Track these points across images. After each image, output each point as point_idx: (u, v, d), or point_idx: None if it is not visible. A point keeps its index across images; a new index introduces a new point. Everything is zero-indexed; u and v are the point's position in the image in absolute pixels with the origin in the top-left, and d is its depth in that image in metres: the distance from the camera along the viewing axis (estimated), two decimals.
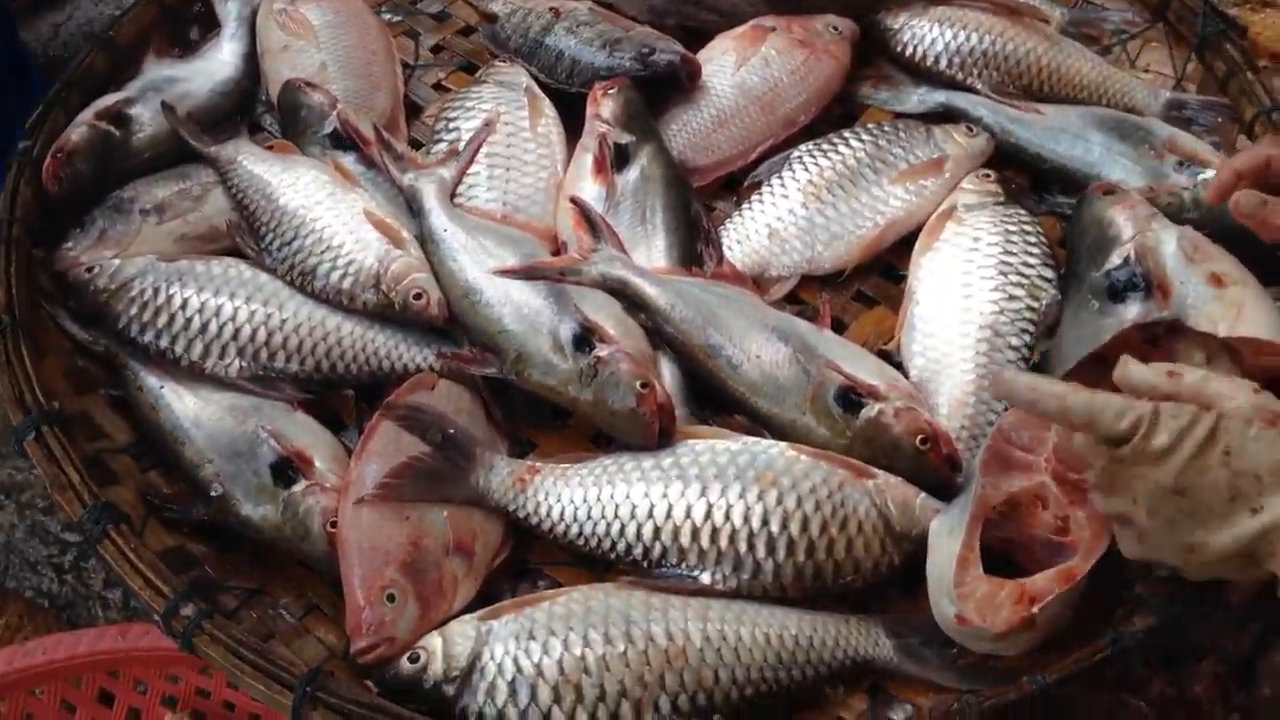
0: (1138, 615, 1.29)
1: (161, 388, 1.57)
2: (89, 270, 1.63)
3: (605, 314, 1.52)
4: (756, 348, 1.49)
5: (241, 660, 1.30)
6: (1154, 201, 1.63)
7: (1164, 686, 1.44)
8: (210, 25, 1.99)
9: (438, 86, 1.97)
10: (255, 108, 1.91)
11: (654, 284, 1.53)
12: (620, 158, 1.69)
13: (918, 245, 1.67)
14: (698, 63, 1.82)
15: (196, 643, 1.31)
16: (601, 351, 1.47)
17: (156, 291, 1.60)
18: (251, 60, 1.93)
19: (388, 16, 2.05)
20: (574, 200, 1.63)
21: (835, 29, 1.89)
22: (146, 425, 1.56)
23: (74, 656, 1.60)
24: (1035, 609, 1.27)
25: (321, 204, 1.65)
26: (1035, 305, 1.57)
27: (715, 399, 1.53)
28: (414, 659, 1.31)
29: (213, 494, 1.48)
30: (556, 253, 1.63)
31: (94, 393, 1.61)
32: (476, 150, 1.73)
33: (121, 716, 1.68)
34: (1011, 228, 1.64)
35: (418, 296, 1.56)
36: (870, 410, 1.44)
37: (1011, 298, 1.57)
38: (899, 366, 1.56)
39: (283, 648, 1.38)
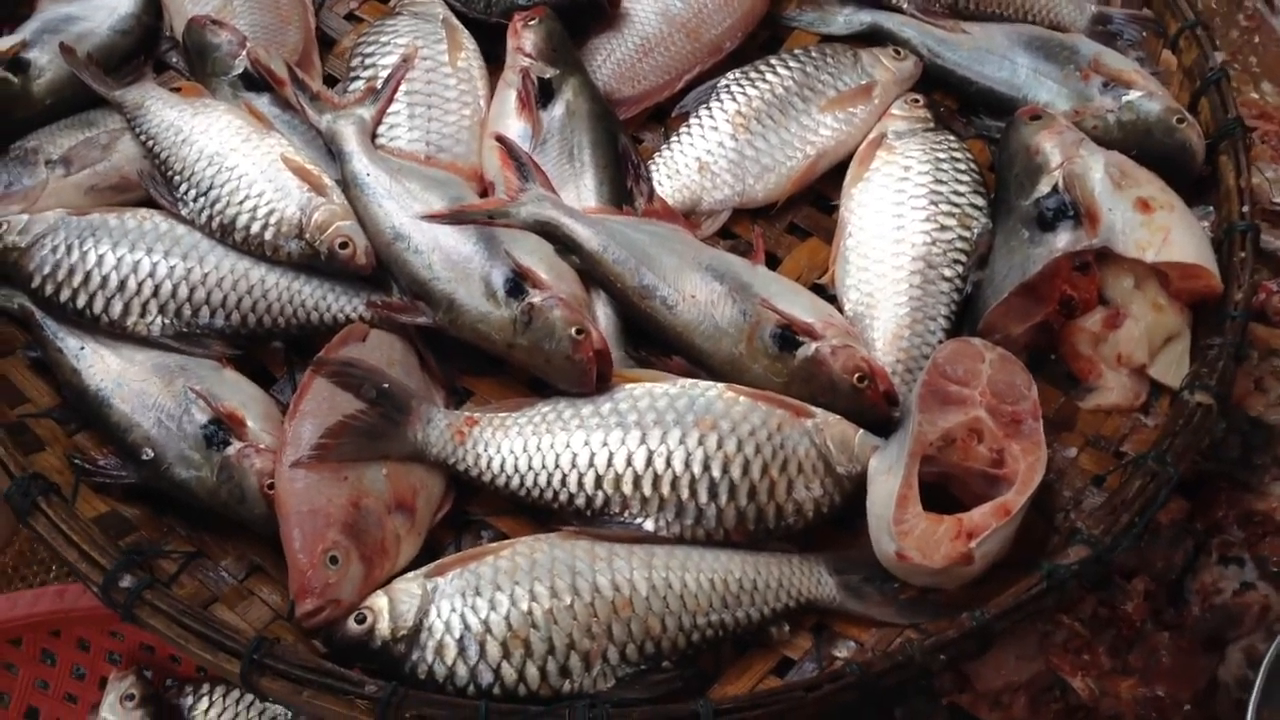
0: (1072, 546, 1.32)
1: (82, 349, 1.52)
2: None
3: (537, 258, 1.49)
4: (691, 287, 1.48)
5: (186, 629, 1.28)
6: (1080, 125, 1.63)
7: (1096, 605, 1.48)
8: None
9: (350, 17, 1.89)
10: (159, 45, 1.83)
11: (586, 225, 1.51)
12: (545, 92, 1.65)
13: (849, 175, 1.66)
14: None
15: (138, 614, 1.29)
16: (535, 298, 1.45)
17: (69, 248, 1.54)
18: None
19: None
20: (500, 139, 1.58)
21: None
22: (69, 388, 1.52)
23: (12, 619, 1.58)
24: (973, 544, 1.30)
25: (237, 150, 1.59)
26: (967, 235, 1.57)
27: (652, 340, 1.52)
28: (360, 620, 1.31)
29: (143, 458, 1.45)
30: (484, 194, 1.60)
31: (12, 355, 1.56)
32: (396, 88, 1.67)
33: (66, 674, 1.67)
34: (941, 155, 1.63)
35: (343, 246, 1.52)
36: (807, 349, 1.44)
37: (943, 228, 1.57)
38: (833, 300, 1.57)
39: (227, 612, 1.37)
